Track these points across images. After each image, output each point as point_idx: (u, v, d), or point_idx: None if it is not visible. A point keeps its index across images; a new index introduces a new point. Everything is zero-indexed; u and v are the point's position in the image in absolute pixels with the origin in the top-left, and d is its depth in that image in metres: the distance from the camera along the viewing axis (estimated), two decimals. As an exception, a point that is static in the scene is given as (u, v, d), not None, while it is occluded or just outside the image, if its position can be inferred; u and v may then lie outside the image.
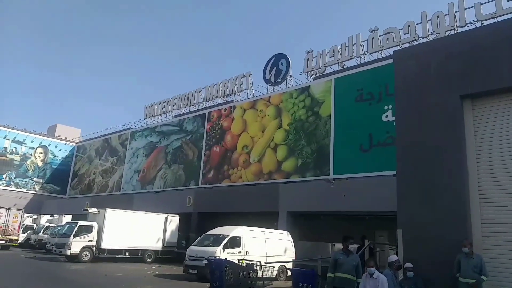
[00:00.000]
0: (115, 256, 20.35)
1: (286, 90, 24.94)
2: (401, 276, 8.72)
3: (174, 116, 33.13)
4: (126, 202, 29.81)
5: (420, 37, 19.37)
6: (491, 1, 17.33)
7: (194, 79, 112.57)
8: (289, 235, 17.74)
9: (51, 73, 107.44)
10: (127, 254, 20.75)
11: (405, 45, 18.59)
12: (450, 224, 8.65)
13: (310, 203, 19.89)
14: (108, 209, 20.82)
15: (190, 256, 15.44)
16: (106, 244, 20.03)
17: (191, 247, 16.10)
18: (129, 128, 37.53)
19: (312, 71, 23.84)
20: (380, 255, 13.77)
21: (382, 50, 20.99)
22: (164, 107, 34.23)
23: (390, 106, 18.71)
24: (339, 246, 13.32)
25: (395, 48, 18.80)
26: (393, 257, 8.94)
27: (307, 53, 24.08)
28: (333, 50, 22.86)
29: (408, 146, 10.04)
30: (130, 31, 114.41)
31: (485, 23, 16.37)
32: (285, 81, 25.34)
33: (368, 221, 18.88)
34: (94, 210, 21.28)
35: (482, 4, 17.61)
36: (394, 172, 10.80)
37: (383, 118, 19.11)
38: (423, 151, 9.62)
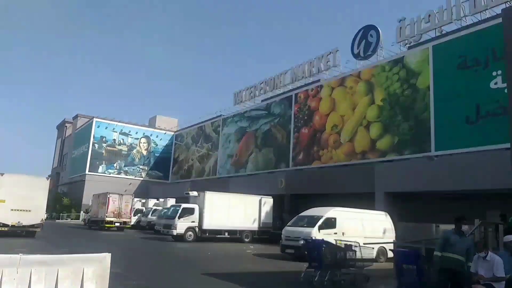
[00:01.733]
0: (215, 236, 21.55)
1: (377, 63, 23.59)
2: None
3: (262, 101, 33.63)
4: (222, 185, 31.29)
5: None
6: None
7: (280, 61, 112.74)
8: (388, 216, 16.95)
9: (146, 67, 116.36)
10: (226, 234, 21.83)
11: (518, -1, 16.23)
12: None
13: (409, 182, 18.71)
14: (207, 192, 22.04)
15: (286, 236, 15.66)
16: (207, 224, 21.28)
17: (287, 228, 16.30)
18: (220, 115, 39.16)
19: (406, 40, 22.16)
20: (493, 236, 12.43)
21: (487, 9, 18.62)
22: (251, 92, 34.93)
23: (499, 72, 16.59)
24: (444, 227, 12.36)
25: (503, 6, 16.52)
26: (509, 237, 8.00)
27: (399, 22, 22.42)
28: (429, 15, 20.92)
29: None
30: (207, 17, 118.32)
31: None
32: (376, 54, 23.96)
33: (476, 199, 17.17)
34: (195, 193, 22.70)
35: None
36: (507, 145, 9.62)
37: (492, 85, 17.05)
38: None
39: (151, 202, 32.82)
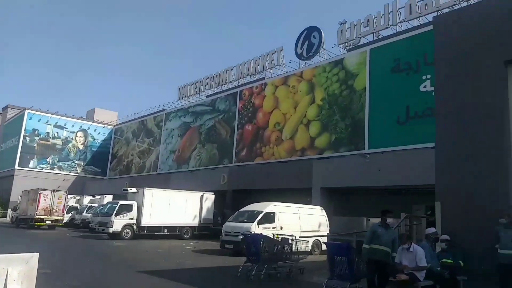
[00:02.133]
0: (154, 233, 21.05)
1: (319, 64, 24.34)
2: (439, 248, 8.49)
3: (207, 96, 33.34)
4: (163, 181, 30.64)
5: (461, 1, 18.19)
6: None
7: (226, 58, 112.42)
8: (323, 210, 17.64)
9: (84, 56, 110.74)
10: (165, 231, 21.41)
11: (445, 10, 17.53)
12: (490, 196, 8.27)
13: (344, 178, 19.61)
14: (147, 188, 21.46)
15: (226, 231, 15.73)
16: (145, 221, 20.73)
17: (227, 223, 16.37)
18: (163, 110, 38.23)
19: (346, 43, 23.07)
20: (418, 228, 13.43)
21: (421, 16, 19.93)
22: (196, 87, 34.49)
23: (428, 76, 17.85)
24: (374, 220, 13.08)
25: (435, 14, 17.76)
26: (430, 229, 8.72)
27: (340, 24, 23.27)
28: (368, 20, 21.95)
29: (448, 116, 9.57)
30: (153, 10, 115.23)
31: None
32: (318, 54, 24.70)
33: (404, 195, 18.42)
34: (134, 189, 22.00)
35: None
36: (432, 145, 10.40)
37: (421, 88, 18.29)
38: (464, 120, 9.15)
39: (87, 199, 31.35)
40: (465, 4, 17.49)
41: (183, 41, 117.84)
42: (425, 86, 18.04)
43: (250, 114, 28.13)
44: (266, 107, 26.96)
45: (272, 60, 27.62)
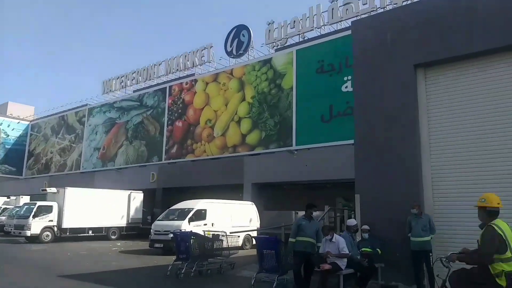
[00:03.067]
0: (78, 235, 19.98)
1: (248, 62, 24.73)
2: (359, 238, 9.20)
3: (134, 91, 32.16)
4: (87, 180, 29.04)
5: (378, 8, 19.65)
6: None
7: (153, 52, 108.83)
8: (254, 205, 18.09)
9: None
10: (90, 232, 20.42)
11: (364, 16, 18.82)
12: (403, 188, 9.13)
13: (274, 174, 20.26)
14: (68, 188, 20.25)
15: (155, 231, 15.45)
16: (67, 223, 19.59)
17: (156, 222, 16.08)
18: (86, 105, 36.08)
19: (274, 43, 23.70)
20: (340, 220, 14.39)
21: (342, 21, 21.15)
22: (122, 81, 33.08)
23: (349, 77, 19.04)
24: (302, 213, 13.75)
25: (354, 19, 18.98)
26: (351, 221, 9.40)
27: (268, 24, 23.85)
28: (294, 21, 22.77)
29: (365, 115, 10.36)
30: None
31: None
32: (247, 53, 25.08)
33: (329, 189, 19.54)
34: (53, 189, 20.65)
35: (437, -26, 17.97)
36: (353, 141, 11.17)
37: (343, 89, 19.48)
38: (379, 119, 9.97)
39: (0, 201, 28.64)
40: (381, 11, 18.93)
41: (107, 32, 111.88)
42: (346, 87, 19.24)
43: (180, 111, 27.72)
44: (197, 103, 26.76)
45: (202, 57, 27.46)
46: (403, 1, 18.66)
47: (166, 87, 29.24)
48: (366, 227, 9.15)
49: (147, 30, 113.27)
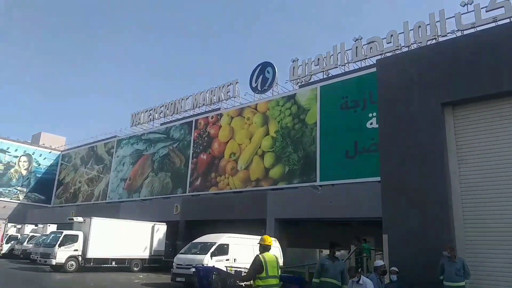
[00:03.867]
0: (101, 265, 20.06)
1: (272, 98, 25.17)
2: (388, 280, 8.92)
3: (161, 124, 33.05)
4: (113, 210, 29.49)
5: (402, 46, 19.83)
6: (470, 11, 17.88)
7: (181, 89, 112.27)
8: (277, 242, 17.76)
9: (35, 78, 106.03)
10: (113, 263, 20.47)
11: (388, 54, 19.02)
12: (434, 228, 8.90)
13: (297, 210, 20.02)
14: (94, 217, 20.58)
15: (177, 264, 15.38)
16: (92, 253, 19.75)
17: (179, 255, 16.04)
18: (115, 136, 37.25)
19: (298, 79, 24.12)
20: (367, 260, 13.96)
21: (366, 59, 21.39)
22: (150, 114, 34.12)
23: (374, 114, 19.04)
24: (326, 252, 13.47)
25: (379, 57, 19.20)
26: (379, 262, 9.15)
27: (292, 62, 24.39)
28: (318, 59, 23.21)
29: (391, 152, 10.32)
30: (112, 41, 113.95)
31: (465, 32, 16.86)
32: (272, 89, 25.57)
33: (354, 226, 19.09)
34: (80, 219, 21.01)
35: (462, 14, 18.15)
36: (379, 178, 11.03)
37: (368, 125, 19.44)
38: (406, 156, 9.90)
39: (28, 228, 29.30)
40: (405, 49, 19.10)
41: (130, 72, 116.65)
42: (371, 123, 19.20)
43: (205, 144, 28.20)
44: (221, 137, 27.21)
45: (227, 92, 28.17)
46: (428, 40, 18.78)
47: (192, 120, 29.95)
48: (395, 268, 8.88)
49: (177, 69, 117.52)
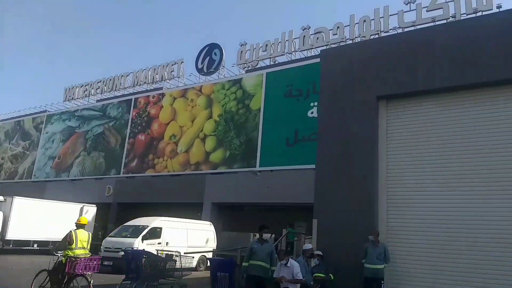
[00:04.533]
0: (22, 248, 18.68)
1: (218, 80, 24.70)
2: (314, 263, 9.12)
3: (97, 101, 31.21)
4: (38, 190, 27.54)
5: (347, 39, 20.28)
6: (413, 10, 18.66)
7: (120, 64, 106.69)
8: (212, 226, 17.68)
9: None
10: (35, 245, 19.16)
11: (334, 45, 19.34)
12: (360, 215, 9.20)
13: (235, 194, 20.03)
14: (16, 197, 19.04)
15: (105, 247, 14.74)
16: (12, 235, 18.32)
17: (107, 238, 15.38)
18: (45, 111, 34.55)
19: (245, 64, 23.86)
20: (297, 244, 14.31)
21: (312, 48, 21.64)
22: (86, 90, 32.00)
23: (316, 103, 19.35)
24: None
25: (324, 48, 19.47)
26: (307, 246, 9.33)
27: (241, 45, 24.03)
28: (266, 45, 23.08)
29: (328, 141, 10.47)
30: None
31: (406, 30, 17.57)
32: (218, 71, 25.07)
33: (289, 211, 19.51)
34: (0, 198, 19.35)
35: (405, 12, 18.87)
36: (315, 166, 11.22)
37: (309, 114, 19.75)
38: (341, 146, 10.09)
39: None
40: (350, 42, 19.57)
41: (67, 42, 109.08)
42: (312, 112, 19.52)
43: (144, 124, 27.09)
44: (162, 118, 26.28)
45: (171, 71, 27.18)
46: (371, 35, 19.35)
47: (131, 98, 28.58)
48: (319, 252, 9.12)
49: (117, 41, 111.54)
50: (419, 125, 9.49)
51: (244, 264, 7.54)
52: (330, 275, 8.81)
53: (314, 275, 8.67)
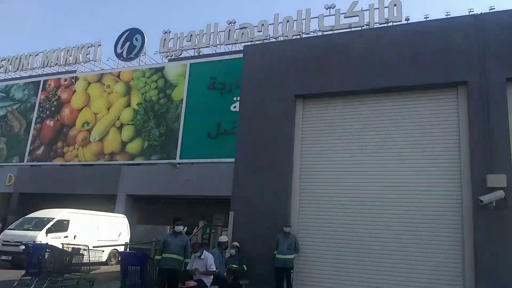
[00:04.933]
0: None
1: (138, 67, 23.67)
2: (230, 254, 9.30)
3: (0, 80, 28.06)
4: None
5: (271, 37, 20.76)
6: (332, 15, 19.71)
7: (29, 43, 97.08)
8: (125, 218, 17.02)
9: None
10: None
11: (258, 42, 19.69)
12: (275, 209, 9.59)
13: (153, 186, 19.49)
14: None
15: (4, 241, 13.47)
16: None
17: (6, 231, 14.08)
18: None
19: (168, 53, 23.20)
20: (214, 236, 14.43)
21: (237, 43, 21.77)
22: (-14, 67, 28.58)
23: (238, 98, 19.50)
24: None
25: (248, 43, 19.73)
26: (223, 238, 9.48)
27: (164, 33, 23.30)
28: (191, 35, 22.67)
29: (247, 136, 10.70)
30: None
31: (325, 33, 18.49)
32: (139, 58, 24.03)
33: (209, 205, 19.56)
34: None
35: (325, 16, 19.85)
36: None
37: (232, 108, 19.89)
38: (259, 141, 10.39)
39: None
40: (273, 40, 20.07)
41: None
42: (235, 107, 19.69)
43: (53, 109, 25.00)
44: (75, 103, 24.48)
45: (87, 54, 25.40)
46: (293, 35, 20.05)
47: (40, 80, 26.19)
48: (235, 243, 9.31)
49: (26, 16, 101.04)
50: (331, 123, 10.13)
51: (156, 257, 7.44)
52: (244, 266, 9.04)
53: (227, 266, 8.84)
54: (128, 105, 22.86)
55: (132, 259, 8.43)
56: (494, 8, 15.07)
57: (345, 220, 9.23)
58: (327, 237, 9.28)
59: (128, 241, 16.26)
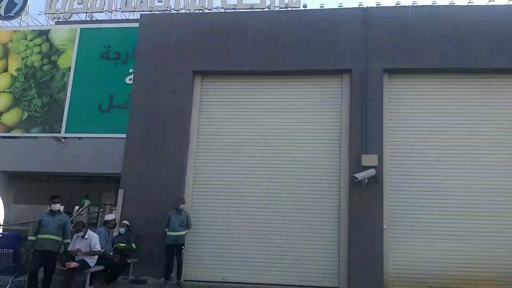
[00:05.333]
0: None
1: (19, 28, 20.75)
2: (119, 233, 8.96)
3: None
4: None
5: (172, 9, 19.92)
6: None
7: None
8: (-1, 198, 15.19)
9: None
10: None
11: (157, 12, 18.77)
12: (167, 186, 9.45)
13: (33, 162, 17.61)
14: None
15: None
16: None
17: None
18: None
19: (56, 14, 20.78)
20: (103, 216, 13.72)
21: (135, 11, 20.45)
22: None
23: (134, 70, 18.54)
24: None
25: (147, 13, 18.68)
26: (109, 216, 9.10)
27: (51, -8, 20.78)
28: (83, -2, 20.61)
29: (141, 110, 10.26)
30: None
31: (227, 10, 18.40)
32: (20, 18, 21.09)
33: (97, 182, 18.47)
34: None
35: (229, -7, 19.69)
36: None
37: (127, 80, 18.73)
38: (154, 116, 10.06)
39: None
40: (174, 12, 19.30)
41: None
42: (130, 79, 18.55)
43: None
44: None
45: (-48, 6, 21.47)
46: (195, 9, 19.52)
47: None
48: (125, 222, 9.03)
49: None
50: (228, 101, 10.25)
51: (30, 238, 6.82)
52: (132, 244, 8.80)
53: (115, 245, 8.50)
54: (5, 70, 20.01)
55: (3, 241, 7.62)
56: (380, 4, 16.61)
57: (235, 194, 9.58)
58: (217, 211, 9.52)
59: (2, 222, 14.55)
